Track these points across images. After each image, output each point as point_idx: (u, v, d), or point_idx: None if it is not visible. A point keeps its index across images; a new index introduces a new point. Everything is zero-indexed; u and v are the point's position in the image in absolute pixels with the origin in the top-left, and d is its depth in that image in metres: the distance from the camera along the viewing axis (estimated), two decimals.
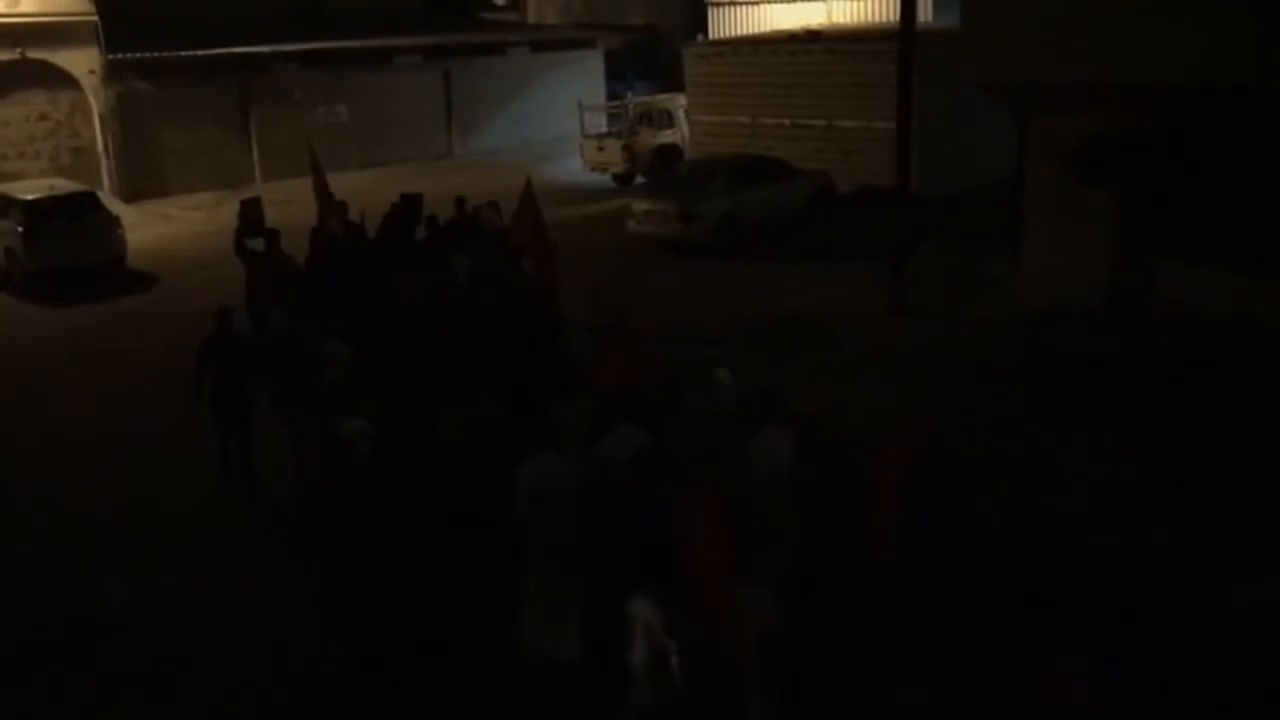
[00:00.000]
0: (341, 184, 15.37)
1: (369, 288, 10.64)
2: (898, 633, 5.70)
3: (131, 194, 24.73)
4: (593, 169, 26.13)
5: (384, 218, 13.40)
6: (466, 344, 9.09)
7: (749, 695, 5.33)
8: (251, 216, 12.98)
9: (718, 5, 35.91)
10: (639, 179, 24.90)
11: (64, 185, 20.00)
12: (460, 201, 13.72)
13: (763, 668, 5.43)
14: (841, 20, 30.71)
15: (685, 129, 25.46)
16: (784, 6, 33.13)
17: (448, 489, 6.80)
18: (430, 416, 7.45)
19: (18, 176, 22.72)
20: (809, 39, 23.38)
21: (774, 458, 6.55)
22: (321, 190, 13.71)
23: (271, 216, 13.41)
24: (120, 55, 24.53)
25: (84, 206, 18.80)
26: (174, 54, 25.23)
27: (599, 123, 28.72)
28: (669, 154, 25.17)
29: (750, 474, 6.45)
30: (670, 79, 32.40)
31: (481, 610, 6.33)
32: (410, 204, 13.52)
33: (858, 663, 5.77)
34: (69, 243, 17.92)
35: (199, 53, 25.56)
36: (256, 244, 12.46)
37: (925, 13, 23.61)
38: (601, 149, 25.99)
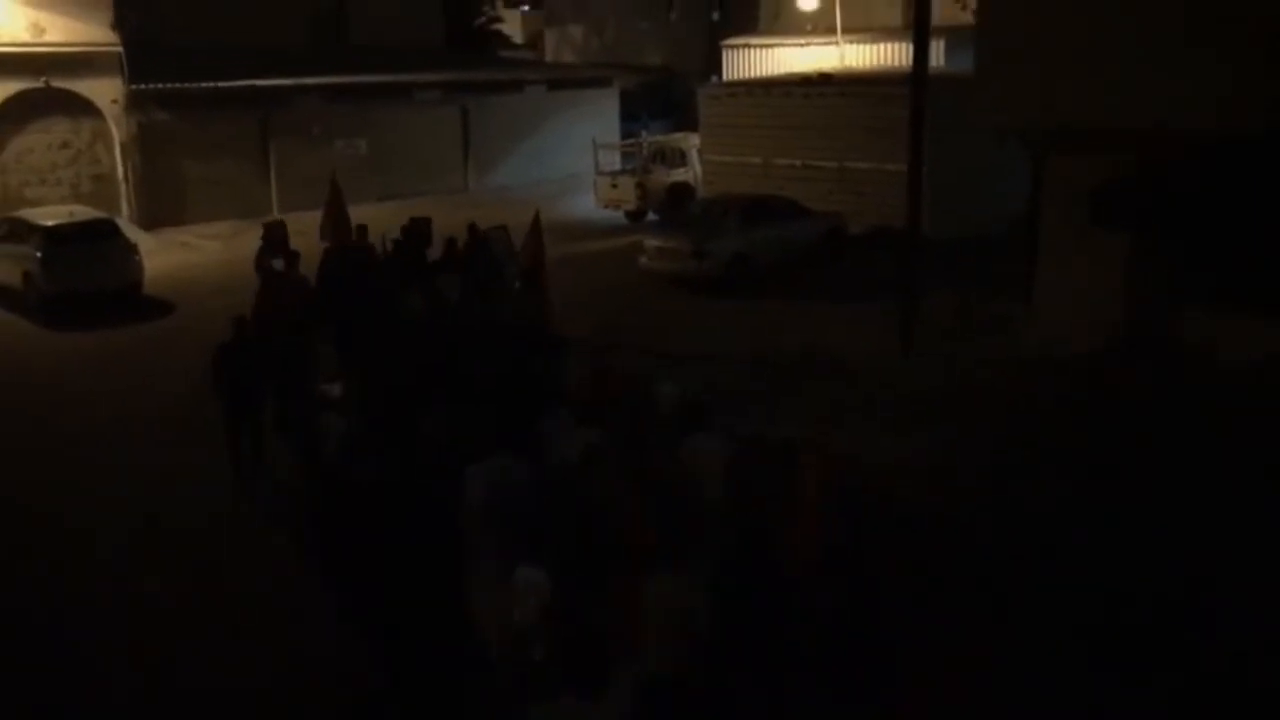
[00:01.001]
0: (359, 215, 15.66)
1: (371, 302, 11.68)
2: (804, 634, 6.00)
3: (150, 222, 25.01)
4: (606, 206, 26.33)
5: (395, 241, 14.14)
6: (449, 355, 9.78)
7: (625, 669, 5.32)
8: (274, 238, 13.99)
9: (732, 47, 36.30)
10: (651, 216, 25.08)
11: (83, 211, 20.26)
12: (473, 228, 14.37)
13: (660, 654, 5.63)
14: (854, 64, 30.99)
15: (698, 168, 25.68)
16: (798, 49, 33.46)
17: (408, 485, 7.05)
18: (406, 418, 7.89)
19: (39, 203, 22.97)
20: (822, 82, 23.61)
21: (703, 462, 7.06)
22: (335, 215, 14.34)
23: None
24: (142, 85, 24.92)
25: (103, 233, 19.03)
26: (195, 85, 25.63)
27: (613, 160, 28.98)
28: (681, 192, 25.36)
29: (679, 476, 7.00)
30: (684, 118, 32.74)
31: (429, 600, 6.51)
32: (418, 227, 14.28)
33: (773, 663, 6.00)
34: (87, 268, 18.13)
35: (220, 84, 25.95)
36: (277, 264, 13.26)
37: (937, 57, 23.81)
38: (615, 186, 26.21)
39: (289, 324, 11.30)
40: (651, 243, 19.43)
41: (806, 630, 6.06)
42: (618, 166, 28.35)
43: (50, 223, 18.78)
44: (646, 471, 6.83)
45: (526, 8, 55.11)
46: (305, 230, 16.83)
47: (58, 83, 24.06)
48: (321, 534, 7.37)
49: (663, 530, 6.20)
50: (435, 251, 14.33)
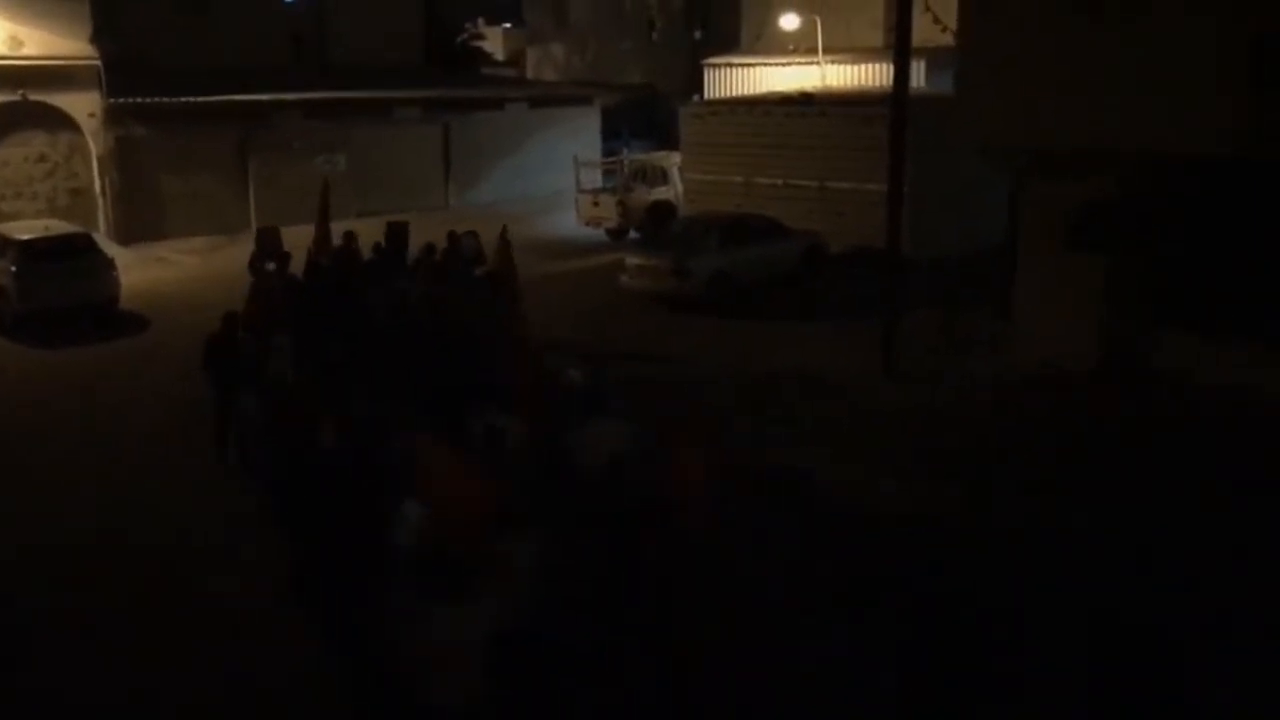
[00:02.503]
0: (338, 231, 15.76)
1: (342, 304, 12.72)
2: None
3: (127, 237, 24.81)
4: (587, 223, 26.30)
5: (376, 244, 15.09)
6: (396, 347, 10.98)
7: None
8: (268, 241, 14.99)
9: (714, 66, 36.41)
10: (632, 234, 25.07)
11: (59, 226, 20.06)
12: (452, 234, 15.38)
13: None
14: (835, 84, 31.13)
15: (679, 186, 25.68)
16: (779, 69, 33.59)
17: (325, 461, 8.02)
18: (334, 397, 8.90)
19: (15, 216, 22.73)
20: (803, 101, 23.69)
21: (597, 443, 7.83)
22: (321, 225, 15.38)
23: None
24: (121, 100, 24.75)
25: (79, 248, 18.83)
26: (174, 100, 25.48)
27: (594, 178, 28.97)
28: (663, 210, 25.33)
29: (577, 456, 7.80)
30: (666, 137, 32.78)
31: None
32: (397, 231, 15.20)
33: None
34: (62, 283, 17.91)
35: (199, 99, 25.82)
36: (269, 266, 14.21)
37: (918, 78, 23.95)
38: (596, 204, 26.19)
39: (277, 322, 12.10)
40: (632, 261, 19.41)
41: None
42: (599, 184, 28.34)
43: (25, 237, 18.58)
44: (545, 448, 7.85)
45: (508, 25, 55.22)
46: (286, 246, 16.75)
47: (35, 96, 23.87)
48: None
49: (543, 498, 7.26)
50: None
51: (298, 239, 15.88)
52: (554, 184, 30.89)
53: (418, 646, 6.17)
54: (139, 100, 24.98)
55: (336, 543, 7.28)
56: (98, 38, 24.17)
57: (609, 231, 25.75)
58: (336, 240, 15.51)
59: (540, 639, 6.27)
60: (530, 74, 46.92)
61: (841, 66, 32.06)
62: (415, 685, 6.20)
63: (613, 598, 6.83)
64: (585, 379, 9.21)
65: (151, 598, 9.13)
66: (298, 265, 14.37)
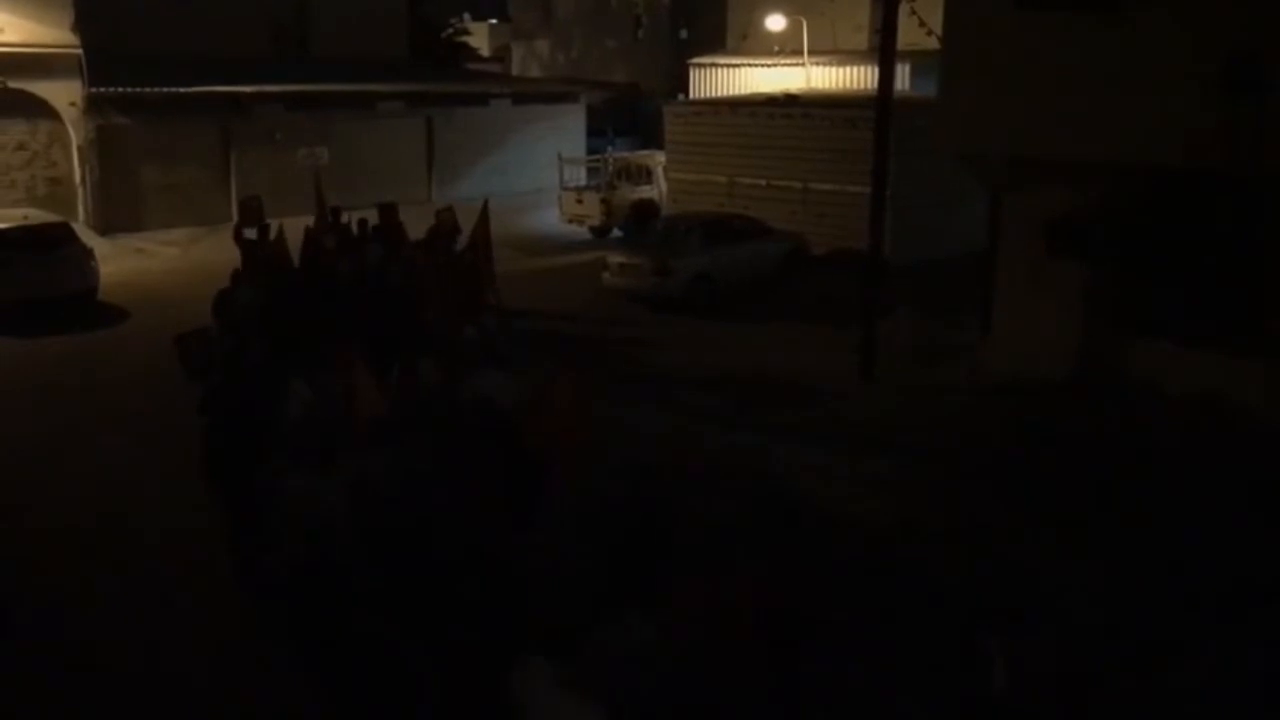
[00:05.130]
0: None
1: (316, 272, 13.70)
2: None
3: (106, 227, 24.63)
4: (570, 221, 26.30)
5: (374, 227, 15.83)
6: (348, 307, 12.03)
7: None
8: (251, 212, 15.52)
9: (699, 66, 36.51)
10: (615, 232, 25.09)
11: (38, 216, 19.94)
12: (439, 213, 16.21)
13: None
14: (820, 85, 31.23)
15: (663, 185, 25.71)
16: (764, 70, 33.71)
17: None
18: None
19: None
20: (787, 102, 23.76)
21: (483, 387, 8.76)
22: (321, 208, 16.22)
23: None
24: (102, 89, 24.56)
25: (57, 238, 18.70)
26: (156, 90, 25.30)
27: (578, 176, 28.96)
28: (646, 209, 25.36)
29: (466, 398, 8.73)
30: (650, 136, 32.81)
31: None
32: (388, 212, 15.91)
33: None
34: (41, 274, 17.80)
35: (181, 89, 25.65)
36: (252, 234, 14.87)
37: (902, 81, 24.06)
38: (580, 202, 26.19)
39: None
40: (615, 259, 19.41)
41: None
42: (583, 182, 28.34)
43: (2, 226, 18.44)
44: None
45: (494, 21, 55.14)
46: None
47: (15, 84, 23.67)
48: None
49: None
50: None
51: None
52: (537, 181, 30.87)
53: (283, 506, 7.04)
54: (120, 90, 24.79)
55: (240, 427, 8.48)
56: (79, 26, 23.98)
57: (592, 229, 25.75)
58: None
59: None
60: (515, 70, 46.89)
61: (826, 68, 32.19)
62: (275, 544, 7.06)
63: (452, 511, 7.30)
64: (477, 333, 10.52)
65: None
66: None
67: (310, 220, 16.15)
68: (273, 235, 14.39)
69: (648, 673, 5.46)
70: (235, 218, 18.15)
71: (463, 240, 15.63)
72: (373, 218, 15.95)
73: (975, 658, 5.43)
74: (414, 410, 8.54)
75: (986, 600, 8.54)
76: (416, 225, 16.39)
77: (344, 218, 15.97)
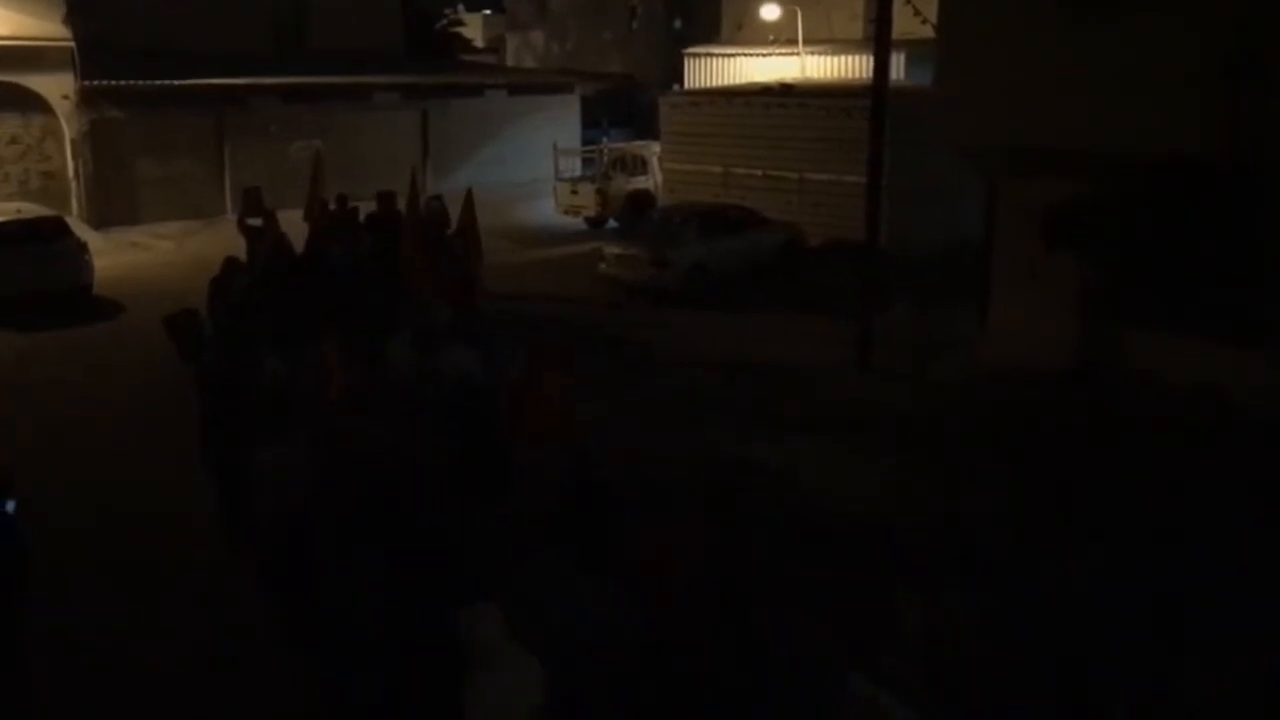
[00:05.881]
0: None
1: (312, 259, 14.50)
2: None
3: (101, 221, 24.55)
4: (565, 212, 26.26)
5: (370, 215, 16.16)
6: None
7: None
8: (252, 201, 16.39)
9: (694, 56, 36.42)
10: (611, 223, 25.05)
11: (32, 209, 19.83)
12: (428, 202, 16.39)
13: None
14: (815, 75, 31.17)
15: (658, 176, 25.69)
16: (759, 60, 33.63)
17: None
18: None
19: None
20: (782, 92, 23.70)
21: (453, 361, 9.54)
22: (315, 194, 16.47)
23: (241, 246, 15.85)
24: (95, 82, 24.44)
25: (52, 232, 18.59)
26: (150, 82, 25.18)
27: (573, 167, 28.92)
28: (641, 200, 25.35)
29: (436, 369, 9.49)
30: (645, 127, 32.75)
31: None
32: (386, 200, 16.16)
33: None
34: (35, 268, 17.73)
35: (175, 82, 25.54)
36: (256, 223, 15.68)
37: (898, 70, 24.00)
38: (575, 192, 26.15)
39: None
40: (611, 250, 19.40)
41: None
42: (578, 173, 28.30)
43: None
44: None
45: (488, 12, 55.01)
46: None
47: (7, 77, 23.58)
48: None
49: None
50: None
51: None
52: (532, 172, 30.81)
53: (249, 473, 7.75)
54: (114, 83, 24.67)
55: (225, 399, 9.11)
56: (71, 18, 23.88)
57: (588, 220, 25.73)
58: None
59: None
60: (510, 61, 46.77)
61: (821, 58, 32.12)
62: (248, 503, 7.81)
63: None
64: (445, 312, 11.15)
65: None
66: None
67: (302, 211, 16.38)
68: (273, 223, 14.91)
69: (584, 620, 6.04)
70: (235, 209, 18.70)
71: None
72: (364, 212, 16.16)
73: (894, 607, 5.62)
74: (383, 384, 9.35)
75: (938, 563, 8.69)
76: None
77: (348, 204, 16.26)
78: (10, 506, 7.65)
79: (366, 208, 16.15)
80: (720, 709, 6.17)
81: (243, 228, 16.12)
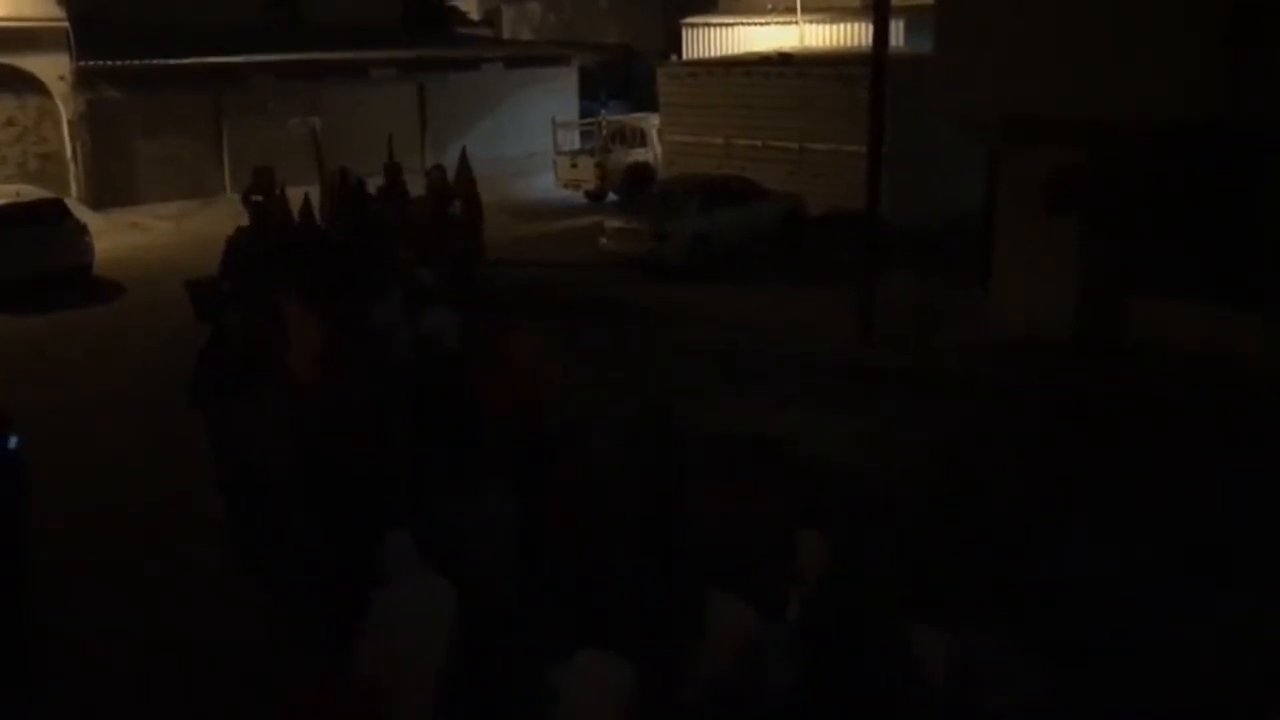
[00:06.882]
0: (315, 193, 15.81)
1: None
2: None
3: (99, 202, 24.46)
4: (565, 186, 26.18)
5: (379, 188, 17.27)
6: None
7: None
8: (261, 182, 17.17)
9: (692, 26, 36.18)
10: (611, 196, 24.97)
11: (30, 192, 19.80)
12: (428, 172, 17.51)
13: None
14: (814, 44, 30.98)
15: (658, 148, 25.58)
16: (758, 29, 33.41)
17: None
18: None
19: None
20: (781, 62, 23.57)
21: (430, 325, 10.02)
22: (325, 167, 17.79)
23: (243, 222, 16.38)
24: (91, 62, 24.31)
25: (51, 214, 18.58)
26: (146, 62, 25.03)
27: (572, 140, 28.79)
28: (641, 173, 25.25)
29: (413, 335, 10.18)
30: (644, 98, 32.53)
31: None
32: (393, 171, 17.34)
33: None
34: (35, 250, 17.73)
35: (172, 61, 25.39)
36: (259, 199, 16.59)
37: (897, 38, 23.84)
38: (574, 166, 26.06)
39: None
40: (612, 224, 19.34)
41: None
42: (577, 146, 28.19)
43: None
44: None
45: None
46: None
47: (2, 59, 23.44)
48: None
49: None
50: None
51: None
52: (531, 145, 30.68)
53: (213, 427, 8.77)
54: (110, 63, 24.53)
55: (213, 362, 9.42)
56: None
57: (587, 194, 25.64)
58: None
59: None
60: (506, 34, 46.44)
61: (820, 26, 31.90)
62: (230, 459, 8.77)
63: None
64: (426, 277, 11.67)
65: None
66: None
67: (304, 189, 16.57)
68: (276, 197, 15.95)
69: (492, 542, 6.68)
70: (235, 187, 19.64)
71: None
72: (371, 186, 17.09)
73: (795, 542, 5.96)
74: (362, 345, 9.92)
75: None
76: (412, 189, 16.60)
77: (351, 178, 17.02)
78: (13, 443, 8.02)
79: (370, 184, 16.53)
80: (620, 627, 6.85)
81: (247, 203, 17.14)
